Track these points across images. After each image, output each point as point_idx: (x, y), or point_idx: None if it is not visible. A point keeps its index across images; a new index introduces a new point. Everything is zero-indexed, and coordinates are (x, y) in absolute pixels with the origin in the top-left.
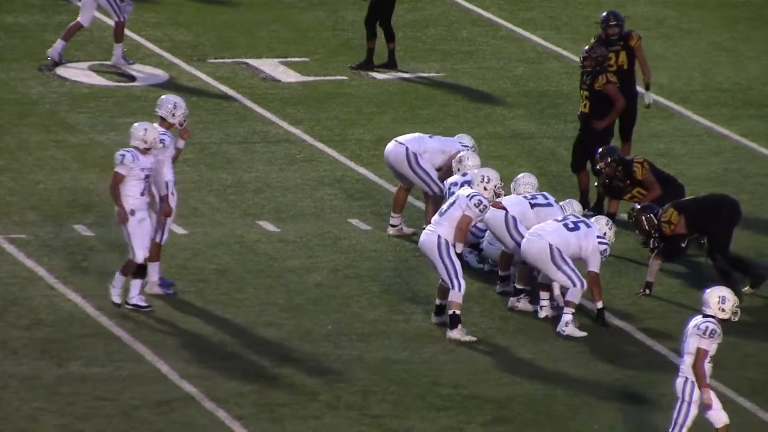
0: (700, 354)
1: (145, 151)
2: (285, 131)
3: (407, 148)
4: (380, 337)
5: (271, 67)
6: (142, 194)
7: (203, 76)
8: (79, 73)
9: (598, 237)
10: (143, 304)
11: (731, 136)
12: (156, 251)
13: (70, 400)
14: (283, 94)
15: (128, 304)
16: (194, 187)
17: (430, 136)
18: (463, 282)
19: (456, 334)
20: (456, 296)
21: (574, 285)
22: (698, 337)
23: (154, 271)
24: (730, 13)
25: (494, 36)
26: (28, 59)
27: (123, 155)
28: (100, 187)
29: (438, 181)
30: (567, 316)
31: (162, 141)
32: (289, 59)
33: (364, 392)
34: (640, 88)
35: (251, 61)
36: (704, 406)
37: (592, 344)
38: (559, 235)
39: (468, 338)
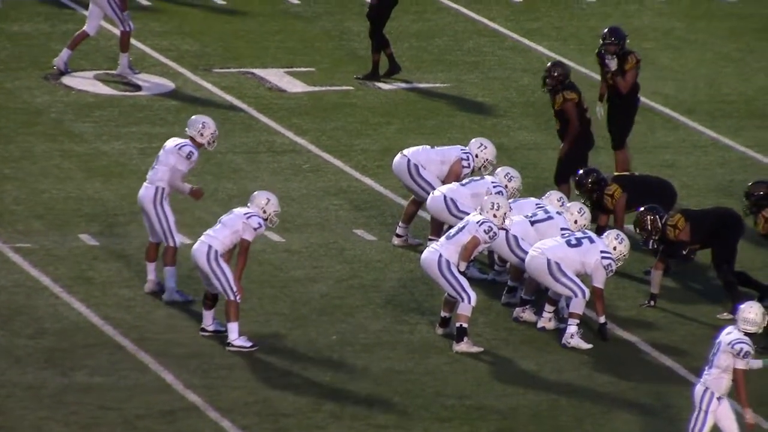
0: (739, 377)
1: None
2: (291, 141)
3: (409, 160)
4: (385, 347)
5: (277, 77)
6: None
7: (209, 86)
8: (84, 82)
9: (603, 252)
10: (248, 344)
11: (736, 147)
12: (171, 255)
13: (74, 410)
14: (288, 104)
15: (231, 346)
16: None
17: (432, 147)
18: (472, 294)
19: (463, 347)
20: (465, 309)
21: (576, 295)
22: (731, 356)
23: (170, 276)
24: (737, 24)
25: (500, 46)
26: (33, 68)
27: (260, 225)
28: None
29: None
30: (572, 328)
31: (190, 154)
32: (294, 69)
33: (368, 402)
34: (649, 100)
35: (257, 71)
36: (748, 427)
37: (596, 355)
38: (561, 250)
39: (475, 349)
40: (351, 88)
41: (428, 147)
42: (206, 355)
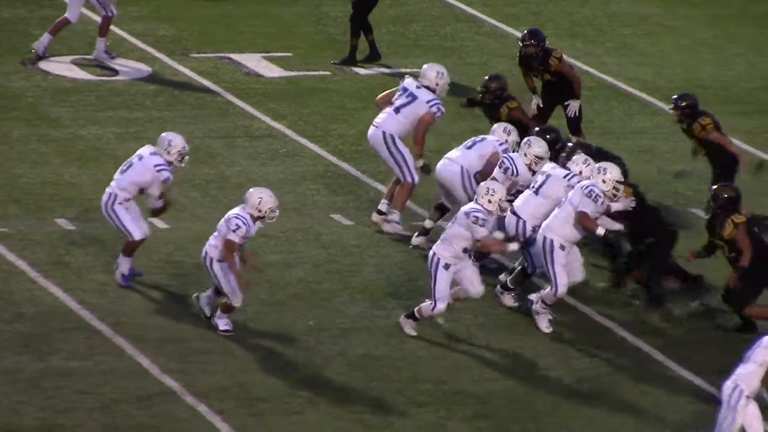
0: None
1: (256, 220)
2: (267, 126)
3: (384, 132)
4: (362, 332)
5: (254, 61)
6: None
7: (186, 71)
8: (61, 67)
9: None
10: (228, 327)
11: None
12: (128, 247)
13: (51, 394)
14: (265, 89)
15: (219, 329)
16: (176, 181)
17: (396, 112)
18: (442, 305)
19: (407, 325)
20: (427, 309)
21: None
22: None
23: (124, 263)
24: (714, 10)
25: (477, 32)
26: (10, 53)
27: (239, 226)
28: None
29: (413, 170)
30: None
31: (167, 180)
32: (271, 54)
33: (345, 387)
34: (627, 86)
35: (234, 56)
36: None
37: (573, 340)
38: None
39: (409, 331)
40: (328, 73)
41: (393, 112)
42: (183, 340)
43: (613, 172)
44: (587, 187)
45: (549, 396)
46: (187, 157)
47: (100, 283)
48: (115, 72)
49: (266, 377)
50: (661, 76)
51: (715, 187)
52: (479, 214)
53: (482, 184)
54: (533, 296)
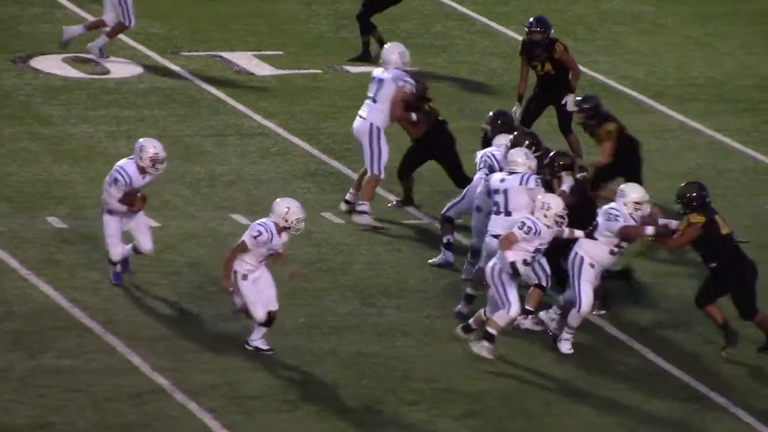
0: None
1: (282, 230)
2: (258, 124)
3: (371, 124)
4: (352, 330)
5: (245, 60)
6: (261, 262)
7: (177, 69)
8: (52, 65)
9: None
10: (264, 347)
11: (705, 131)
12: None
13: (42, 392)
14: (256, 88)
15: (249, 345)
16: (167, 179)
17: (374, 102)
18: (515, 303)
19: (483, 350)
20: (502, 317)
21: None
22: None
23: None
24: (706, 8)
25: (468, 30)
26: (1, 51)
27: (260, 232)
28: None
29: (382, 167)
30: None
31: (116, 180)
32: (262, 52)
33: (335, 386)
34: (618, 84)
35: (225, 54)
36: None
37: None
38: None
39: (491, 356)
40: (319, 71)
41: (372, 103)
42: (173, 338)
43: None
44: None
45: (541, 394)
46: (160, 163)
47: (92, 281)
48: (107, 70)
49: (257, 375)
50: (652, 75)
51: (681, 185)
52: (534, 226)
53: (538, 197)
54: (543, 314)
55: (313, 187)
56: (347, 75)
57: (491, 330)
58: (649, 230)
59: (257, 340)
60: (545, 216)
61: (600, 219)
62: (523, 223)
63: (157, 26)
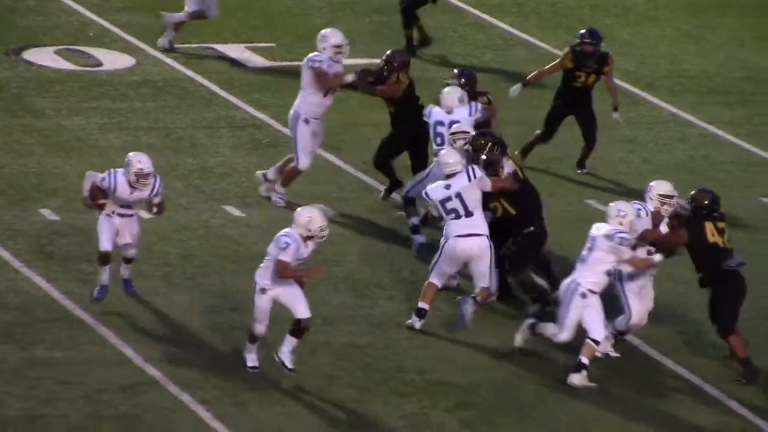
0: None
1: (306, 239)
2: (251, 116)
3: (296, 112)
4: (345, 322)
5: (238, 52)
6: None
7: (169, 61)
8: (45, 57)
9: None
10: (290, 365)
11: (697, 123)
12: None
13: (34, 384)
14: (249, 79)
15: (277, 356)
16: (160, 171)
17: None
18: (601, 332)
19: (581, 380)
20: (591, 346)
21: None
22: None
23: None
24: (697, 1)
25: (461, 23)
26: None
27: (288, 244)
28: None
29: (306, 158)
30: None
31: (102, 178)
32: (255, 44)
33: (328, 377)
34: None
35: (217, 46)
36: None
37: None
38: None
39: (588, 384)
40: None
41: (300, 94)
42: (166, 330)
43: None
44: (613, 236)
45: (534, 387)
46: (144, 179)
47: (84, 273)
48: (99, 62)
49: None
50: (644, 67)
51: (693, 192)
52: (624, 235)
53: (612, 205)
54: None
55: (305, 178)
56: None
57: (584, 360)
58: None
59: (287, 353)
60: (620, 224)
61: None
62: (622, 238)
63: (149, 18)
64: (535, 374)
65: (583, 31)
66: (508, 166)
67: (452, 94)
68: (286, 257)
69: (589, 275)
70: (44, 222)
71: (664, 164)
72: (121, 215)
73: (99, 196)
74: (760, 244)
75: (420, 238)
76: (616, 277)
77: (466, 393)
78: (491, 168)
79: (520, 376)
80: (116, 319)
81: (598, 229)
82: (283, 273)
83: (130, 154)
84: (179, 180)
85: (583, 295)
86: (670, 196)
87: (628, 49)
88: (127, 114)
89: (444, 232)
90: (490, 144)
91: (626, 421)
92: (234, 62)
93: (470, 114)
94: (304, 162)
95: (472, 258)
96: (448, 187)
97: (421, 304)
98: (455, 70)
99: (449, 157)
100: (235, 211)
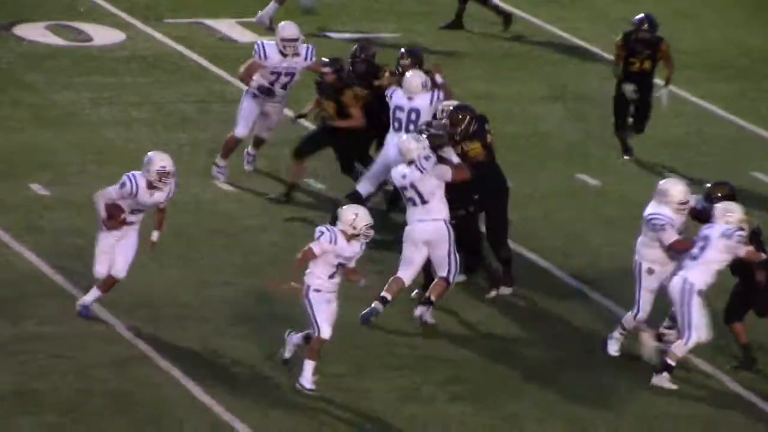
0: None
1: (351, 238)
2: (241, 91)
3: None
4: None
5: (228, 26)
6: (331, 277)
7: (159, 36)
8: (35, 32)
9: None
10: (310, 387)
11: (691, 99)
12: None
13: (24, 359)
14: (239, 54)
15: (299, 384)
16: (151, 146)
17: None
18: (694, 334)
19: (663, 381)
20: (679, 346)
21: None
22: None
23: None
24: None
25: None
26: None
27: (322, 232)
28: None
29: (243, 127)
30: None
31: (122, 185)
32: (245, 19)
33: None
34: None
35: (208, 21)
36: None
37: (547, 306)
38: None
39: (672, 387)
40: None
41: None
42: (156, 305)
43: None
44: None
45: (524, 363)
46: (166, 177)
47: (75, 248)
48: (89, 37)
49: (240, 342)
50: None
51: (709, 185)
52: (742, 232)
53: (719, 206)
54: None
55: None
56: (328, 41)
57: (670, 361)
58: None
59: (308, 378)
60: (727, 223)
61: (646, 225)
62: (740, 236)
63: None
64: (526, 350)
65: (640, 17)
66: (452, 156)
67: (415, 79)
68: (317, 247)
69: (700, 275)
70: (34, 196)
71: (658, 140)
72: (127, 223)
73: (118, 211)
74: (752, 218)
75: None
76: (637, 271)
77: (457, 368)
78: (439, 151)
79: (510, 351)
80: (107, 295)
81: (709, 229)
82: (302, 260)
83: (150, 153)
84: (169, 155)
85: (700, 293)
86: (687, 203)
87: (624, 27)
88: (117, 89)
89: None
90: (468, 118)
91: (616, 402)
92: (224, 37)
93: (431, 102)
94: (241, 132)
95: (430, 242)
96: (404, 176)
97: (384, 294)
98: (402, 50)
99: (409, 144)
100: (226, 186)
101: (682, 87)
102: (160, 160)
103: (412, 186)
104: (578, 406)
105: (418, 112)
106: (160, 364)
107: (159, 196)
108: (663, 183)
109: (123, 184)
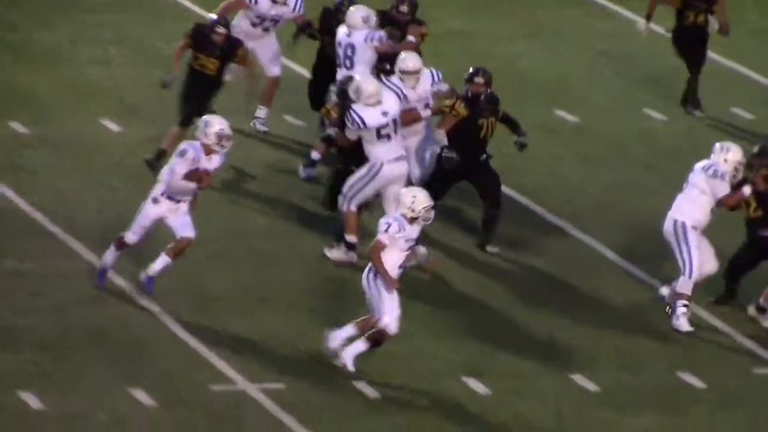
0: None
1: (411, 221)
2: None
3: None
4: (313, 231)
5: None
6: (402, 267)
7: None
8: None
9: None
10: (352, 368)
11: (667, 35)
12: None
13: (3, 296)
14: None
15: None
16: (130, 85)
17: None
18: (696, 268)
19: (683, 323)
20: (686, 284)
21: (683, 273)
22: None
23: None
24: None
25: None
26: None
27: (389, 224)
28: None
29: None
30: (679, 309)
31: (183, 152)
32: None
33: (297, 286)
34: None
35: None
36: None
37: (526, 242)
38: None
39: (689, 329)
40: None
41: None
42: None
43: (736, 153)
44: (710, 168)
45: (502, 298)
46: (226, 140)
47: (54, 187)
48: None
49: (219, 278)
50: None
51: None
52: (730, 173)
53: (719, 143)
54: (664, 290)
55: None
56: None
57: (683, 301)
58: (746, 191)
59: (350, 357)
60: (725, 161)
61: (699, 176)
62: (716, 170)
63: None
64: (503, 286)
65: None
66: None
67: (356, 13)
68: (385, 239)
69: (688, 212)
70: (14, 134)
71: (634, 77)
72: (176, 200)
73: (199, 172)
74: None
75: (311, 171)
76: (681, 231)
77: (435, 304)
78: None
79: (489, 288)
80: (86, 232)
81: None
82: (376, 252)
83: (206, 116)
84: (151, 92)
85: (695, 228)
86: (743, 164)
87: None
88: (97, 27)
89: (371, 154)
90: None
91: (594, 329)
92: None
93: (366, 40)
94: (274, 69)
95: (397, 181)
96: (385, 113)
97: (350, 238)
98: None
99: (369, 85)
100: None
101: (662, 22)
102: (219, 123)
103: (394, 121)
104: (558, 341)
105: (353, 47)
106: (140, 302)
107: (216, 161)
108: (724, 143)
109: (184, 151)
